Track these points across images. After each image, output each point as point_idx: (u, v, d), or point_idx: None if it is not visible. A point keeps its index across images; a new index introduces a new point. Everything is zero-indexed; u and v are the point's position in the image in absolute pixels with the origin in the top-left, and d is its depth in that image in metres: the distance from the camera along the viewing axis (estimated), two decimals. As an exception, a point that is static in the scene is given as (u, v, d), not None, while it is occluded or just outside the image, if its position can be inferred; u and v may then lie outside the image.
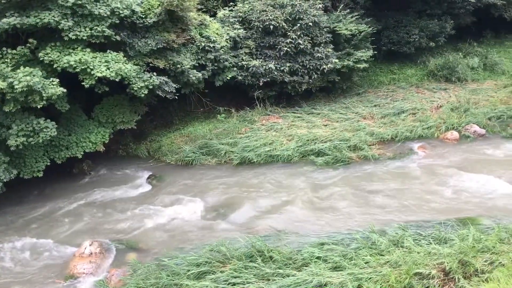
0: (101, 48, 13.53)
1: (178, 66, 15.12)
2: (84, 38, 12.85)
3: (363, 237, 9.79)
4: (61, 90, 12.03)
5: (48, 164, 13.18)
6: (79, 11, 12.75)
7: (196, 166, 15.22)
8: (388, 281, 7.99)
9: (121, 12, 13.39)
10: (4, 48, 12.28)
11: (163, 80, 14.60)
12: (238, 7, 18.02)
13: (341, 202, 12.31)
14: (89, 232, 11.58)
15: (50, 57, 12.61)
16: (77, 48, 12.96)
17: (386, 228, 10.34)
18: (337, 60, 18.23)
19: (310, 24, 17.63)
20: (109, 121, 14.79)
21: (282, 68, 17.53)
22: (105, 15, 13.03)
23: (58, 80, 12.22)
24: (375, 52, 20.31)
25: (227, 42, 16.71)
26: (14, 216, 12.51)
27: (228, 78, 16.95)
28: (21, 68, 11.65)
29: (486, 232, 9.60)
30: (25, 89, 11.24)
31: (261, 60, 17.41)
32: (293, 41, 17.41)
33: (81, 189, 13.94)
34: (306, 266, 8.88)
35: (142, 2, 14.69)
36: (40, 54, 12.63)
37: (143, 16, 14.63)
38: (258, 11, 17.61)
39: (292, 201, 12.50)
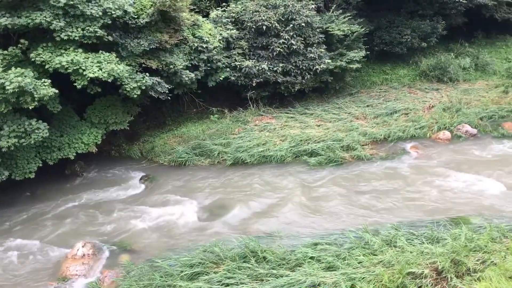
0: (93, 49, 13.48)
1: (171, 66, 15.09)
2: (76, 38, 12.81)
3: (356, 237, 9.83)
4: (53, 91, 11.97)
5: (40, 165, 13.11)
6: (71, 11, 12.69)
7: (189, 166, 15.20)
8: (381, 281, 8.03)
9: (113, 12, 13.35)
10: (-5, 49, 12.22)
11: (156, 80, 14.57)
12: (230, 8, 18.02)
13: (334, 202, 12.35)
14: (82, 234, 11.51)
15: (41, 57, 12.55)
16: (69, 48, 12.91)
17: (379, 227, 10.40)
18: (329, 61, 18.28)
19: (303, 24, 17.67)
20: (101, 122, 14.72)
21: (275, 69, 17.54)
22: (97, 15, 12.98)
23: (50, 81, 12.17)
24: (368, 53, 20.41)
25: (220, 42, 16.71)
26: (5, 218, 12.39)
27: (221, 78, 16.95)
28: (13, 69, 11.58)
29: (478, 232, 9.67)
30: (16, 90, 11.17)
31: (254, 60, 17.41)
32: (286, 41, 17.43)
33: (73, 190, 13.88)
34: (299, 266, 8.91)
35: (134, 3, 14.64)
36: (32, 55, 12.57)
37: (136, 17, 14.59)
38: (251, 11, 17.62)
39: (285, 201, 12.51)
